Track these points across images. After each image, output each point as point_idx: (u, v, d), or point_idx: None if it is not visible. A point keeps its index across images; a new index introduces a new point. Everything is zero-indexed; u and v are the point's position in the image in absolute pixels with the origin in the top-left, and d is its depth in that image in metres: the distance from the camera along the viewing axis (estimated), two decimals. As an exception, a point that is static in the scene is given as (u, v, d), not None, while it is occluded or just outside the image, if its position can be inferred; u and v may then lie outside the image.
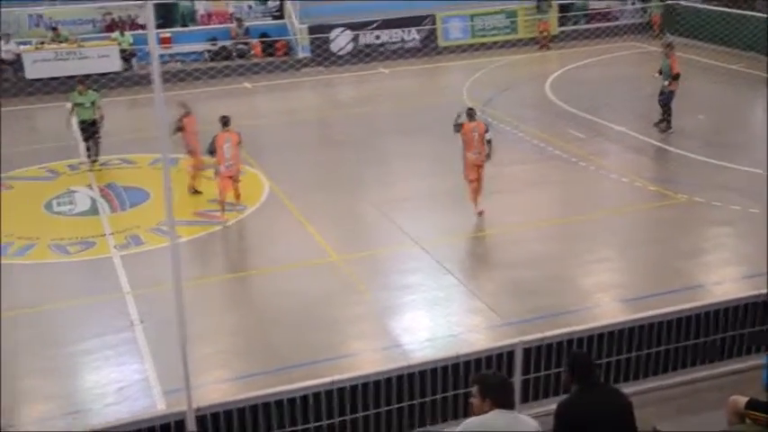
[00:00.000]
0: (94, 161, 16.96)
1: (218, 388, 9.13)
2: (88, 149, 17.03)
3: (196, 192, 15.21)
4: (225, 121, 13.94)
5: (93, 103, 16.81)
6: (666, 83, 17.70)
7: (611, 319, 8.86)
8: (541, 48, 27.85)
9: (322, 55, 26.21)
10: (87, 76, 20.89)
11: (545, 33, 28.10)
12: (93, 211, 14.82)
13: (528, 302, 10.90)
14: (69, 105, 17.11)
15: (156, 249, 12.88)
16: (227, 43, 26.66)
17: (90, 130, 16.79)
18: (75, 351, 10.17)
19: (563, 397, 6.30)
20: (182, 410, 6.88)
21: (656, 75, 18.07)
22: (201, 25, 27.30)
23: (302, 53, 26.62)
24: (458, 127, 13.46)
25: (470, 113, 13.64)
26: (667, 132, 17.85)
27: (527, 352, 7.91)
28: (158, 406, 8.75)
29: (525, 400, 7.93)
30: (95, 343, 10.28)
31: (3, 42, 24.52)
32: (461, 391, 7.77)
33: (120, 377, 9.50)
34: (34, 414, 8.89)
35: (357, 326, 10.63)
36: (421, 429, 7.58)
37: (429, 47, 27.50)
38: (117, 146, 16.13)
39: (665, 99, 17.84)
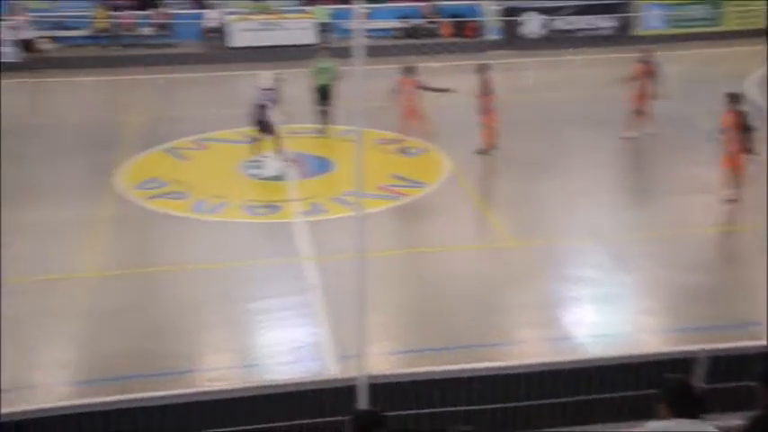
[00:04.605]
0: (321, 129, 17.18)
1: (386, 359, 9.34)
2: (323, 114, 17.28)
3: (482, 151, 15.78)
4: (410, 69, 16.69)
5: (329, 70, 16.97)
6: None
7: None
8: None
9: (512, 38, 25.92)
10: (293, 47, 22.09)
11: None
12: (282, 176, 15.45)
13: (708, 308, 10.40)
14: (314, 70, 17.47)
15: (338, 219, 13.27)
16: (419, 21, 26.89)
17: (325, 96, 17.10)
18: (255, 308, 10.66)
19: (749, 413, 5.98)
20: (354, 377, 7.08)
21: None
22: (396, 2, 27.68)
23: (492, 35, 26.46)
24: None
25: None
26: None
27: (709, 361, 7.57)
28: (331, 370, 9.05)
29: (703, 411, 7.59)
30: (274, 302, 10.74)
31: (209, 11, 26.02)
32: (631, 393, 7.57)
33: (296, 338, 9.90)
34: (213, 363, 9.43)
35: (527, 314, 10.53)
36: None
37: (624, 35, 26.57)
38: (304, 116, 16.71)
39: None
